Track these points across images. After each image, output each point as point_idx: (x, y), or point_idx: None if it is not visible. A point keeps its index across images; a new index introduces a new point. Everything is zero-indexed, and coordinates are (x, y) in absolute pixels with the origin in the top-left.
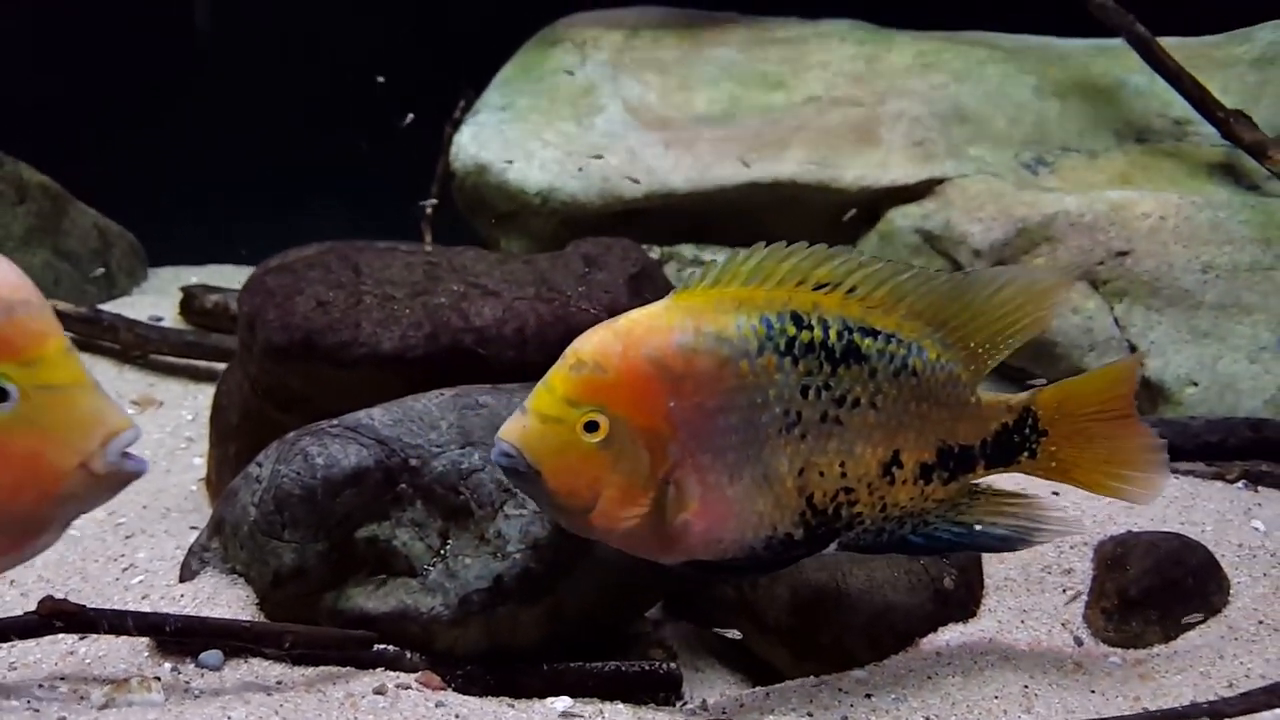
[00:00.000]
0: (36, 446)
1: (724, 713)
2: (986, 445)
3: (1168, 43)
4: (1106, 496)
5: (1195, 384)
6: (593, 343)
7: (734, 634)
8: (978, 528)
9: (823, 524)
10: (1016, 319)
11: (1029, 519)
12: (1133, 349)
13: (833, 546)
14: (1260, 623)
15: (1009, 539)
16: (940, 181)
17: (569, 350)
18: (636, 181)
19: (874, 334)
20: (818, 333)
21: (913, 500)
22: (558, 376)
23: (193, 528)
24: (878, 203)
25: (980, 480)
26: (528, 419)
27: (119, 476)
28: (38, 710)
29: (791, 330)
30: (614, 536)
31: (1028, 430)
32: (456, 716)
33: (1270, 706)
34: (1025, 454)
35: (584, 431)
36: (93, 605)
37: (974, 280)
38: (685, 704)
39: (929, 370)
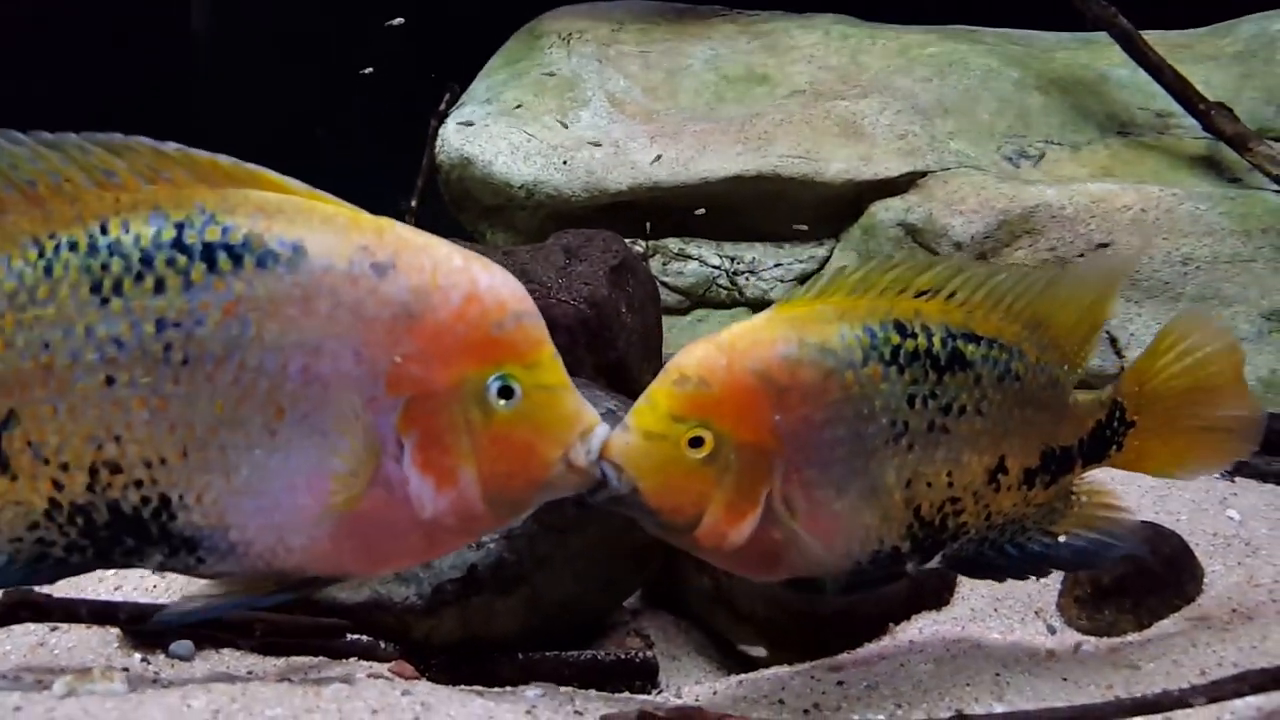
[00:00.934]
0: (531, 439)
1: (697, 700)
2: (1083, 444)
3: (1150, 36)
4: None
5: None
6: (696, 357)
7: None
8: (1062, 539)
9: (929, 536)
10: (1093, 311)
11: (1110, 535)
12: (1113, 341)
13: (936, 560)
14: (1233, 611)
15: (1086, 553)
16: (923, 174)
17: (670, 365)
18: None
19: (977, 340)
20: (922, 341)
21: (1015, 506)
22: (661, 391)
23: None
24: (861, 196)
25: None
26: (630, 435)
27: (588, 470)
28: None
29: (895, 339)
30: (719, 555)
31: (1116, 423)
32: (422, 704)
33: (1240, 694)
34: (1114, 448)
35: (689, 447)
36: (62, 596)
37: (1064, 277)
38: (660, 693)
39: (1030, 374)
